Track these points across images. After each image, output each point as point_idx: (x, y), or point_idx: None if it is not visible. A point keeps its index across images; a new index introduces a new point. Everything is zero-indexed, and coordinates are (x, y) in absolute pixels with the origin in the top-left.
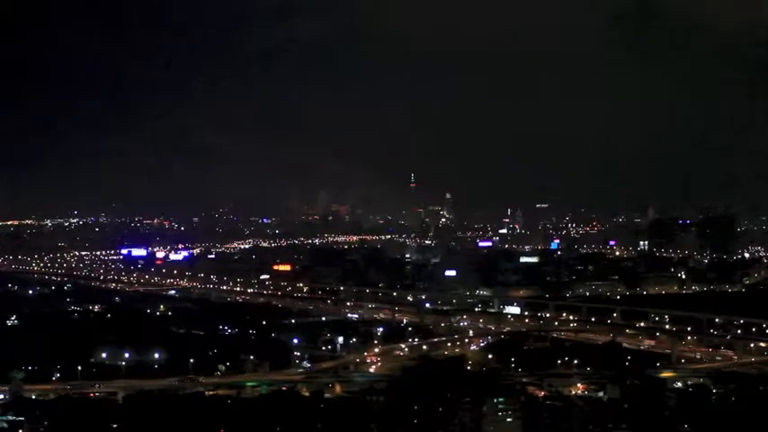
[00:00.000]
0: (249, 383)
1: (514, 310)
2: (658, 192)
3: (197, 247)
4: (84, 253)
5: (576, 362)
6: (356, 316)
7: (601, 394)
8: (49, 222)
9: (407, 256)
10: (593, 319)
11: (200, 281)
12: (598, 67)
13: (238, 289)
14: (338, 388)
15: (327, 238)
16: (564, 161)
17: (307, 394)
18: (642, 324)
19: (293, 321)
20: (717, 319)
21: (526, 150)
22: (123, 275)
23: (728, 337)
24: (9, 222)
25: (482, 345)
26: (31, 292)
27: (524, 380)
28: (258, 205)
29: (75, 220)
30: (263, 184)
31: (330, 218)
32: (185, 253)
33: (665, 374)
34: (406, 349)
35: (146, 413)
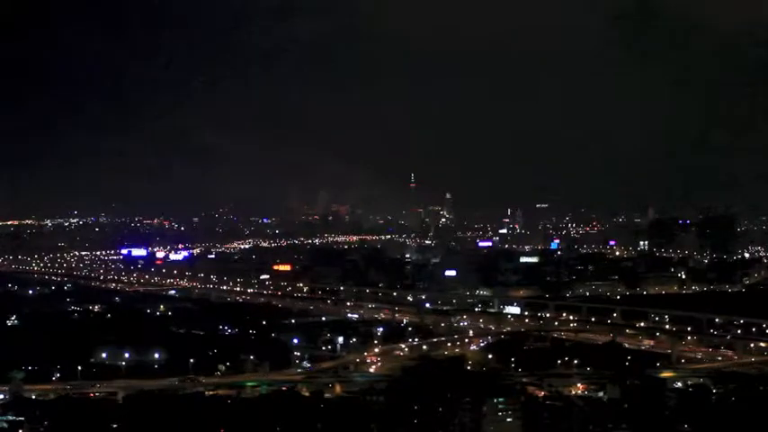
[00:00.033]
0: (249, 383)
1: (514, 310)
2: (658, 192)
3: (197, 247)
4: (84, 253)
5: (576, 362)
6: (356, 316)
7: (601, 394)
8: (49, 222)
9: (407, 256)
10: (593, 319)
11: (200, 281)
12: (598, 67)
13: (238, 289)
14: (338, 388)
15: (327, 238)
16: (564, 161)
17: (307, 394)
18: (642, 324)
19: (293, 321)
20: (717, 319)
21: (526, 150)
22: (123, 275)
23: (728, 337)
24: (9, 222)
25: (482, 345)
26: (31, 292)
27: (524, 380)
28: (258, 205)
29: (75, 220)
30: (263, 184)
31: (330, 218)
32: (185, 253)
33: (665, 374)
34: (406, 349)
35: (146, 413)
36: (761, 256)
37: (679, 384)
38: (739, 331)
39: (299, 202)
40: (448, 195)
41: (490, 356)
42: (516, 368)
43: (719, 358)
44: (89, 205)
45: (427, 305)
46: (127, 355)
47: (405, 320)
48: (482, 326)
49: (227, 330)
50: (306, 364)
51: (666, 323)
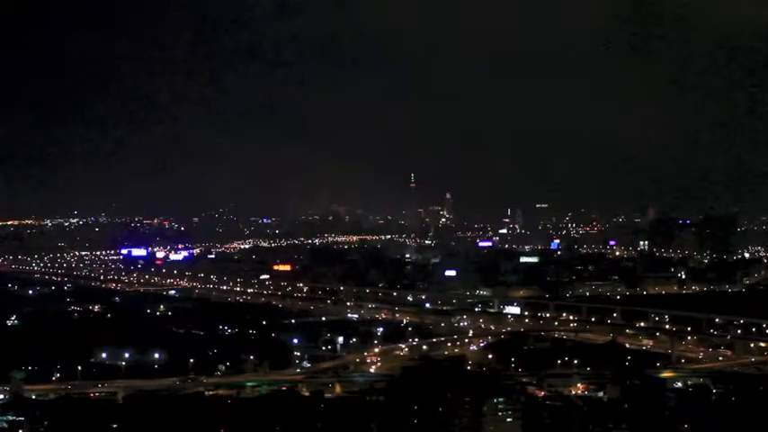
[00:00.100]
0: (249, 383)
1: (514, 310)
2: (658, 192)
3: (197, 247)
4: (84, 253)
5: (576, 362)
6: (356, 316)
7: (601, 394)
8: (49, 222)
9: (407, 256)
10: (593, 319)
11: (200, 281)
12: (598, 67)
13: (238, 289)
14: (338, 388)
15: (327, 238)
16: (564, 161)
17: (307, 394)
18: (642, 324)
19: (293, 321)
20: (717, 319)
21: (526, 150)
22: (123, 275)
23: (728, 337)
24: (9, 222)
25: (482, 345)
26: (31, 292)
27: (524, 380)
28: (258, 205)
29: (75, 220)
30: (263, 184)
31: (330, 218)
32: (185, 253)
33: (665, 374)
34: (406, 349)
35: (146, 413)
36: (761, 256)
37: (679, 384)
38: (739, 331)
39: (299, 202)
40: (448, 195)
41: (490, 356)
42: (516, 368)
43: (720, 358)
44: (89, 205)
45: (427, 305)
46: (127, 355)
47: (405, 320)
48: (482, 326)
49: (227, 330)
50: (306, 364)
51: (666, 323)
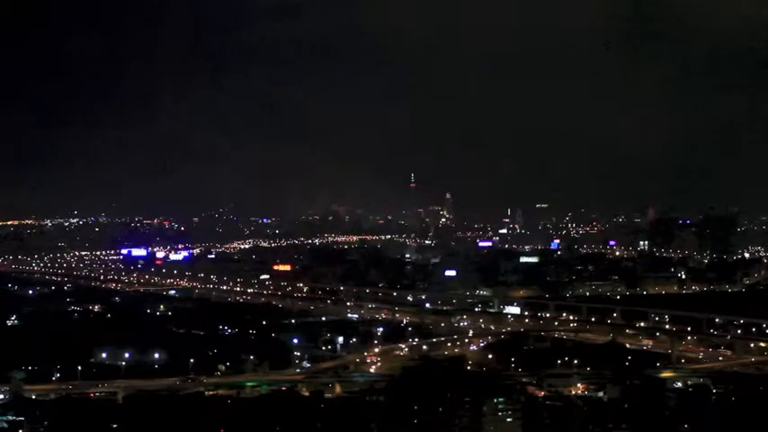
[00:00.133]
0: (249, 383)
1: (514, 310)
2: (658, 192)
3: (197, 247)
4: (84, 253)
5: (576, 362)
6: (356, 316)
7: (601, 394)
8: (49, 222)
9: (407, 256)
10: (593, 319)
11: (201, 281)
12: (598, 67)
13: (238, 289)
14: (338, 388)
15: (327, 238)
16: (564, 161)
17: (307, 394)
18: (642, 324)
19: (293, 321)
20: (717, 319)
21: (526, 150)
22: (123, 275)
23: (728, 337)
24: (9, 222)
25: (482, 345)
26: (31, 292)
27: (524, 380)
28: (258, 205)
29: (75, 220)
30: (263, 184)
31: (330, 218)
32: (185, 253)
33: (665, 374)
34: (406, 349)
35: (146, 413)
36: (761, 256)
37: (679, 384)
38: (739, 331)
39: (299, 202)
40: (448, 195)
41: (490, 356)
42: (516, 368)
43: (721, 358)
44: (89, 205)
45: (427, 305)
46: (127, 355)
47: (405, 320)
48: (482, 326)
49: (227, 330)
50: (306, 364)
51: (666, 323)
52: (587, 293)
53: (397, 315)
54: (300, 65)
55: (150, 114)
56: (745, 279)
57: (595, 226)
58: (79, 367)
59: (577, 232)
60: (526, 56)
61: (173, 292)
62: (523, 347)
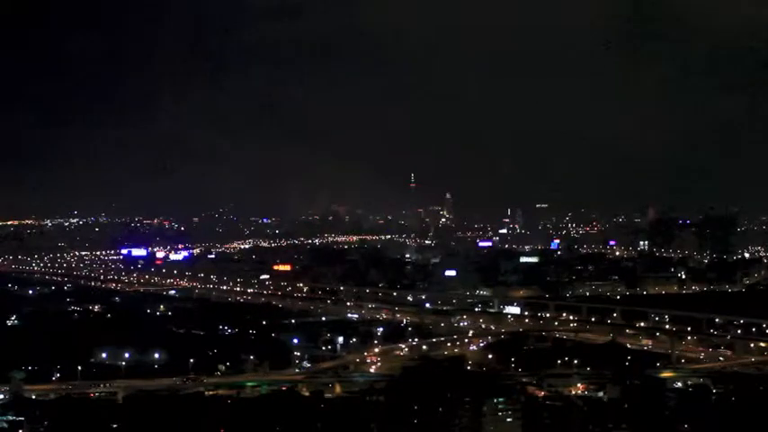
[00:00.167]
0: (249, 383)
1: (514, 310)
2: (658, 192)
3: (197, 247)
4: (84, 253)
5: (576, 362)
6: (356, 316)
7: (601, 394)
8: (49, 222)
9: (407, 256)
10: (593, 319)
11: (200, 281)
12: (598, 67)
13: (238, 289)
14: (338, 388)
15: (327, 238)
16: (564, 161)
17: (307, 394)
18: (642, 324)
19: (293, 321)
20: (717, 319)
21: (526, 150)
22: (123, 275)
23: (728, 337)
24: (9, 222)
25: (482, 345)
26: (31, 292)
27: (524, 380)
28: (258, 205)
29: (75, 220)
30: (263, 184)
31: (330, 218)
32: (185, 253)
33: (665, 374)
34: (406, 349)
35: (146, 413)
36: (761, 256)
37: (679, 384)
38: (739, 331)
39: (299, 202)
40: (448, 195)
41: (490, 356)
42: (516, 368)
43: (722, 359)
44: (89, 205)
45: (427, 305)
46: (127, 355)
47: (405, 320)
48: (482, 326)
49: (227, 330)
50: (306, 364)
51: (666, 323)
52: (587, 293)
53: (397, 315)
54: (300, 65)
55: (150, 114)
56: (745, 279)
57: (595, 226)
58: (79, 367)
59: (577, 232)
60: (526, 56)
61: (173, 292)
62: (523, 347)
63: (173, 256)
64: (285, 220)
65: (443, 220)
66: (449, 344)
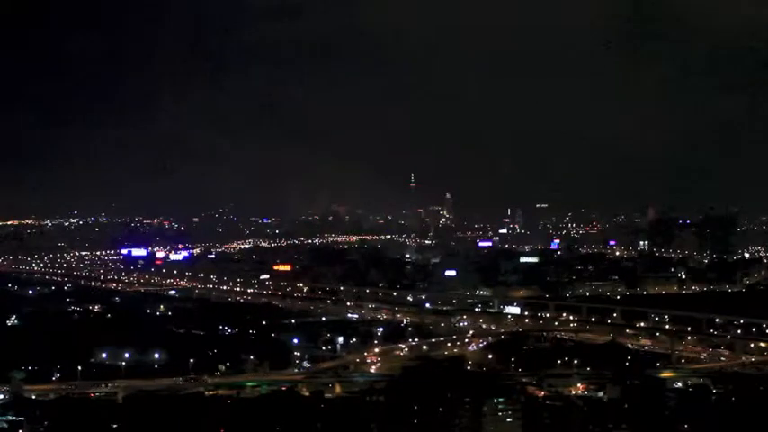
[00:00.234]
0: (249, 383)
1: (514, 310)
2: (658, 192)
3: (197, 247)
4: (84, 253)
5: (576, 362)
6: (356, 316)
7: (601, 394)
8: (49, 222)
9: (407, 256)
10: (593, 319)
11: (201, 281)
12: (598, 67)
13: (238, 289)
14: (338, 388)
15: (327, 238)
16: (564, 161)
17: (307, 394)
18: (642, 324)
19: (293, 321)
20: (717, 319)
21: (526, 150)
22: (123, 275)
23: (728, 337)
24: (9, 222)
25: (482, 345)
26: (31, 292)
27: (524, 380)
28: (258, 205)
29: (75, 220)
30: (263, 184)
31: (330, 218)
32: (185, 253)
33: (665, 374)
34: (406, 349)
35: (146, 413)
36: (761, 256)
37: (679, 384)
38: (739, 331)
39: (299, 202)
40: (448, 195)
41: (490, 356)
42: (516, 368)
43: (723, 358)
44: (89, 205)
45: (427, 305)
46: (127, 355)
47: (405, 320)
48: (482, 326)
49: (227, 330)
50: (306, 364)
51: (666, 323)
52: (587, 293)
53: (397, 315)
54: (300, 65)
55: (150, 114)
56: (745, 279)
57: (595, 226)
58: (79, 367)
59: (577, 232)
60: (526, 56)
61: (173, 292)
62: (523, 347)
63: (173, 256)
64: (285, 220)
65: (443, 220)
66: (449, 344)
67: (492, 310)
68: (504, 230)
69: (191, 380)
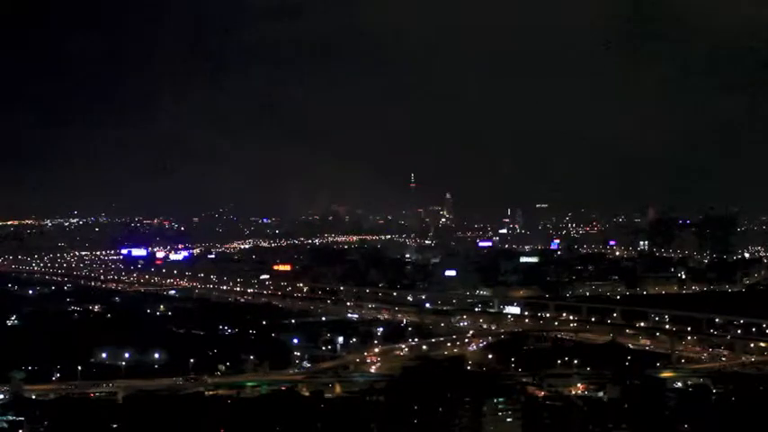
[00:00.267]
0: (249, 383)
1: (514, 310)
2: (658, 192)
3: (197, 247)
4: (84, 253)
5: (576, 362)
6: (356, 316)
7: (601, 394)
8: (49, 222)
9: (407, 256)
10: (593, 319)
11: (200, 281)
12: (598, 67)
13: (238, 289)
14: (338, 388)
15: (327, 238)
16: (564, 161)
17: (307, 394)
18: (642, 324)
19: (293, 321)
20: (717, 319)
21: (526, 150)
22: (123, 275)
23: (728, 337)
24: (9, 222)
25: (482, 345)
26: (31, 292)
27: (524, 380)
28: (258, 205)
29: (75, 220)
30: (263, 184)
31: (330, 218)
32: (185, 253)
33: (665, 374)
34: (406, 349)
35: (146, 413)
36: (761, 256)
37: (679, 384)
38: (739, 331)
39: (299, 202)
40: (448, 195)
41: (490, 356)
42: (516, 368)
43: (723, 358)
44: (89, 205)
45: (427, 305)
46: (127, 355)
47: (405, 320)
48: (482, 326)
49: (227, 330)
50: (306, 364)
51: (666, 323)
52: (587, 293)
53: (398, 315)
54: (300, 65)
55: (150, 114)
56: (745, 279)
57: (595, 226)
58: (79, 367)
59: (577, 232)
60: (526, 56)
61: (173, 292)
62: (523, 347)
63: (173, 256)
64: (285, 220)
65: (443, 220)
66: (449, 344)
67: (492, 310)
68: (504, 230)
69: (191, 380)
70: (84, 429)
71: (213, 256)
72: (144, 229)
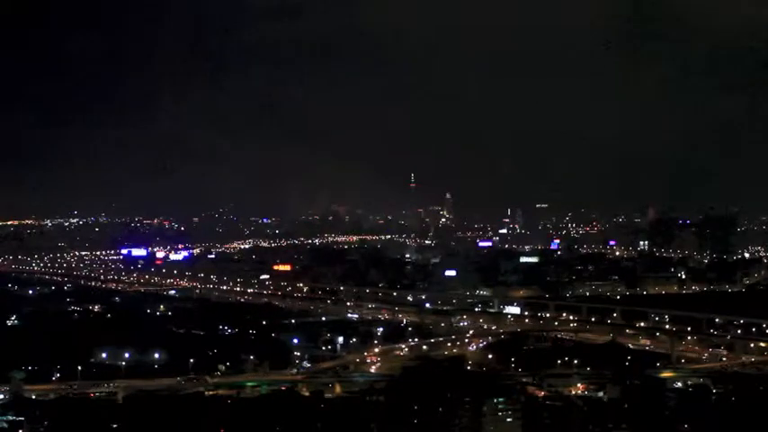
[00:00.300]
0: (249, 383)
1: (514, 310)
2: (658, 192)
3: (197, 247)
4: (84, 253)
5: (576, 362)
6: (356, 316)
7: (601, 394)
8: (49, 222)
9: (407, 256)
10: (593, 319)
11: (201, 281)
12: (598, 67)
13: (238, 289)
14: (338, 388)
15: (327, 238)
16: (564, 161)
17: (307, 394)
18: (642, 324)
19: (293, 321)
20: (717, 319)
21: (526, 150)
22: (123, 275)
23: (728, 337)
24: (9, 222)
25: (482, 345)
26: (31, 292)
27: (524, 380)
28: (258, 205)
29: (75, 220)
30: (263, 184)
31: (330, 218)
32: (185, 253)
33: (665, 374)
34: (406, 349)
35: (146, 413)
36: (761, 256)
37: (679, 384)
38: (739, 331)
39: (299, 202)
40: (448, 195)
41: (490, 356)
42: (516, 368)
43: (723, 359)
44: (89, 205)
45: (427, 305)
46: (127, 355)
47: (405, 320)
48: (482, 326)
49: (227, 330)
50: (306, 364)
51: (666, 323)
52: (587, 293)
53: (398, 315)
54: (300, 65)
55: (150, 114)
56: (745, 279)
57: (595, 226)
58: (79, 367)
59: (577, 232)
60: (526, 56)
61: (173, 292)
62: (523, 347)
63: (173, 256)
64: (285, 220)
65: (443, 220)
66: (449, 344)
67: (492, 310)
68: (504, 230)
69: (191, 380)
70: (84, 429)
71: (213, 256)
72: (144, 229)
